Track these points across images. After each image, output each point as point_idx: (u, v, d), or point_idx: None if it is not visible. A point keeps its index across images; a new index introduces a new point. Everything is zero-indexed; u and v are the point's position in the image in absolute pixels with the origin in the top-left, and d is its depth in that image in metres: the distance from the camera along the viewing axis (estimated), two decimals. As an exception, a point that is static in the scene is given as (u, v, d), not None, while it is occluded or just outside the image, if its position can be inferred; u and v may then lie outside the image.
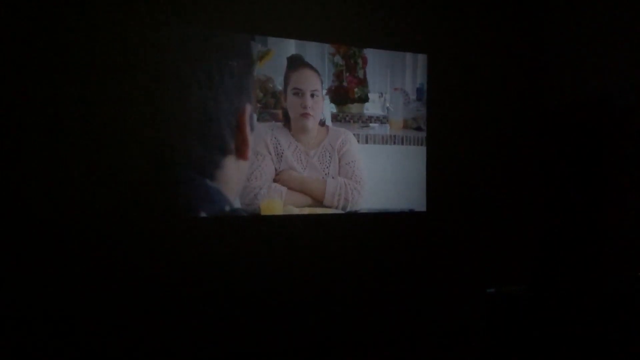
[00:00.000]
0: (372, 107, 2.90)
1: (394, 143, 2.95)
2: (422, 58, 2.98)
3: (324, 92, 2.78)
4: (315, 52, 2.76)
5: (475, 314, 2.60)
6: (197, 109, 2.50)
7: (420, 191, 3.02)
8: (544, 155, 3.15)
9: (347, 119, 2.85)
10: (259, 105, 2.64)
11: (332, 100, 2.81)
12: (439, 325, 2.96)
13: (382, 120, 2.92)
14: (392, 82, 2.93)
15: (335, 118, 2.82)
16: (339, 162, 2.83)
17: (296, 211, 2.73)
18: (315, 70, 2.75)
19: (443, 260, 3.06)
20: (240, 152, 2.60)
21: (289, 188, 2.71)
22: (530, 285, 2.62)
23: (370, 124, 2.89)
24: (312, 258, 2.79)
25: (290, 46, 2.71)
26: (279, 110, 2.69)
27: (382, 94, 2.90)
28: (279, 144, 2.69)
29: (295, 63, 2.70)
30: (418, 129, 3.00)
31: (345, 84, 2.82)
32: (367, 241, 2.91)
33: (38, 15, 2.22)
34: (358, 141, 2.87)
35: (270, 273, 2.69)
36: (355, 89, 2.85)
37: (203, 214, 2.54)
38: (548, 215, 3.09)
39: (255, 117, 2.62)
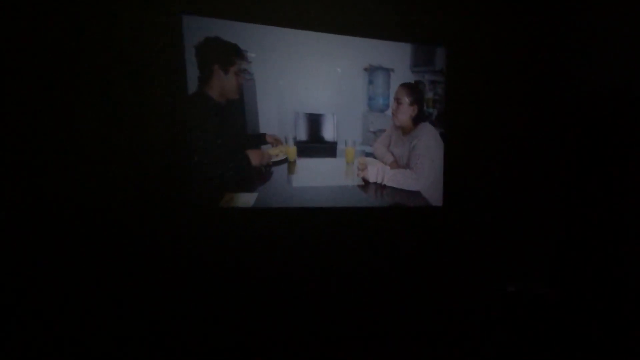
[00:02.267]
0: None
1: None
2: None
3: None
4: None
5: (495, 313, 2.55)
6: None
7: (437, 185, 2.98)
8: (565, 151, 3.08)
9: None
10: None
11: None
12: (456, 324, 2.90)
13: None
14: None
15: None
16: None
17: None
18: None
19: (460, 257, 3.00)
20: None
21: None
22: (552, 284, 2.56)
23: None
24: (327, 252, 2.78)
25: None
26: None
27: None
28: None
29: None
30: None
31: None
32: (382, 236, 2.89)
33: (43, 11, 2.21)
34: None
35: (281, 266, 2.67)
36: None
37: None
38: (569, 212, 3.02)
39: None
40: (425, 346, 2.74)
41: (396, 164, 2.93)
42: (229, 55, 2.52)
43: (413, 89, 2.91)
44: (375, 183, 2.90)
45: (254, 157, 2.63)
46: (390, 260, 2.89)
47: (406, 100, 2.90)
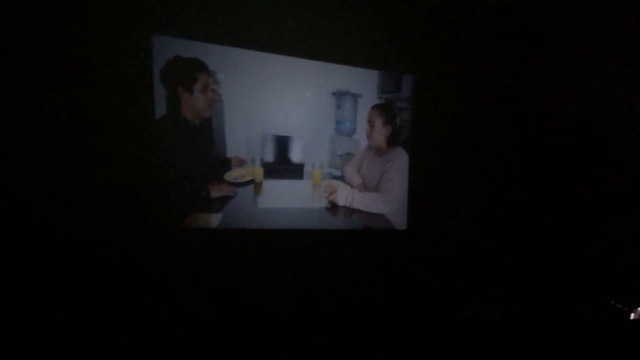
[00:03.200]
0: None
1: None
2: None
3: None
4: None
5: (451, 337, 2.60)
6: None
7: (402, 209, 3.04)
8: (526, 178, 3.19)
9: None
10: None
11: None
12: (414, 346, 2.93)
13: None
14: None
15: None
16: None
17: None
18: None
19: (421, 280, 3.05)
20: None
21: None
22: (506, 310, 2.63)
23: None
24: (291, 274, 2.77)
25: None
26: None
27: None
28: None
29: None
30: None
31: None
32: (347, 258, 2.91)
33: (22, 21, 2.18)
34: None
35: (245, 288, 2.66)
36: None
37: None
38: (528, 239, 3.12)
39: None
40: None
41: (363, 187, 2.97)
42: (190, 73, 2.52)
43: (385, 110, 2.98)
44: (343, 206, 2.94)
45: (215, 190, 2.63)
46: (353, 282, 2.90)
47: (379, 121, 2.96)
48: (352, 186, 2.94)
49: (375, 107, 2.95)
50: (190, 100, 2.52)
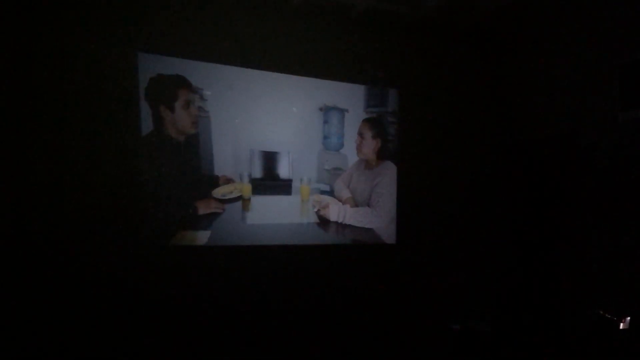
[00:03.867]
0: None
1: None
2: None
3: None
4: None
5: (440, 349, 2.58)
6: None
7: (391, 224, 3.05)
8: (512, 191, 3.21)
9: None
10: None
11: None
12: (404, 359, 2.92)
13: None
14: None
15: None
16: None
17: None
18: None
19: (410, 294, 3.04)
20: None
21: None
22: (495, 321, 2.63)
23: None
24: (281, 289, 2.75)
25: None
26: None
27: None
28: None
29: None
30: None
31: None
32: (336, 273, 2.89)
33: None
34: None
35: (236, 304, 2.64)
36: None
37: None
38: (514, 252, 3.13)
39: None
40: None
41: (353, 201, 2.98)
42: (171, 90, 2.53)
43: (375, 123, 3.00)
44: (335, 222, 2.93)
45: (202, 207, 2.62)
46: (344, 296, 2.89)
47: (369, 134, 2.98)
48: (341, 200, 2.95)
49: (365, 121, 2.98)
50: (172, 117, 2.53)
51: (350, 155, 2.99)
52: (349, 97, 2.95)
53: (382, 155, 3.03)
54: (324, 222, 2.90)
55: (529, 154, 3.08)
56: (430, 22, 2.99)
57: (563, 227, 2.79)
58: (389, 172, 3.05)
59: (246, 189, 2.73)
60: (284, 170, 2.82)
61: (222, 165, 2.67)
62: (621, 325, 2.33)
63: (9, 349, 2.17)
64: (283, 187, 2.82)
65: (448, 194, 3.17)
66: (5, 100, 2.19)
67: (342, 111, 2.93)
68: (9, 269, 2.20)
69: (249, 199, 2.74)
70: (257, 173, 2.76)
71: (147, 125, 2.46)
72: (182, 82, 2.54)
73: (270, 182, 2.79)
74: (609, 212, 2.53)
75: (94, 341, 2.33)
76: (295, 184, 2.84)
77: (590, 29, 2.65)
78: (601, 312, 2.38)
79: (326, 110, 2.90)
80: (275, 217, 2.79)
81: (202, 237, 2.62)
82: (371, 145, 3.01)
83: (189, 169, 2.57)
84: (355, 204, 2.98)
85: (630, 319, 2.24)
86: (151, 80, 2.46)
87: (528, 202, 3.05)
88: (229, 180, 2.68)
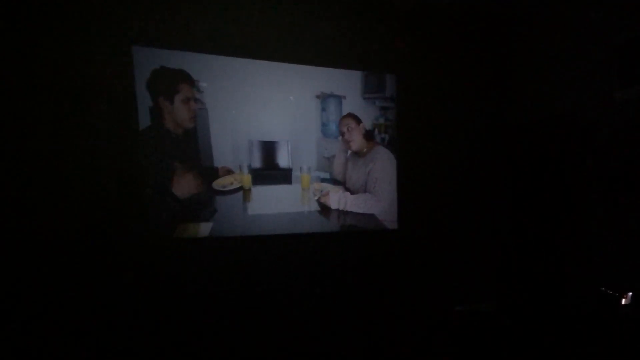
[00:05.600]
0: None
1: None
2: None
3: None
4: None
5: (445, 331, 2.61)
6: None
7: (392, 209, 3.06)
8: (511, 172, 3.21)
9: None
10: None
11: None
12: (409, 343, 2.94)
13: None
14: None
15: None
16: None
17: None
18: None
19: (414, 278, 3.07)
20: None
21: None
22: (498, 302, 2.65)
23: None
24: (285, 278, 2.77)
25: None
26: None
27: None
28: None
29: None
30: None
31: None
32: (340, 259, 2.91)
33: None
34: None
35: (239, 295, 2.66)
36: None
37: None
38: (515, 232, 3.14)
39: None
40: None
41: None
42: (173, 84, 2.52)
43: (353, 115, 2.98)
44: (336, 209, 2.94)
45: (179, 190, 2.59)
46: (348, 282, 2.91)
47: (352, 123, 2.97)
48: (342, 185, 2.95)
49: (344, 117, 2.95)
50: (171, 110, 2.52)
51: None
52: (346, 84, 2.93)
53: (369, 137, 3.01)
54: (325, 209, 2.91)
55: (529, 136, 3.08)
56: (427, 5, 2.96)
57: (565, 207, 2.80)
58: (381, 157, 3.04)
59: (246, 179, 2.73)
60: (283, 159, 2.82)
61: (221, 156, 2.67)
62: (623, 301, 2.36)
63: (16, 340, 2.19)
64: (283, 176, 2.82)
65: (448, 178, 3.17)
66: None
67: (339, 98, 2.92)
68: (12, 264, 2.21)
69: (250, 190, 2.74)
70: (257, 163, 2.76)
71: (145, 120, 2.46)
72: (184, 77, 2.54)
73: (270, 171, 2.79)
74: (609, 190, 2.53)
75: (99, 335, 2.36)
76: (295, 173, 2.84)
77: (588, 7, 2.62)
78: (603, 289, 2.41)
79: (323, 97, 2.88)
80: (276, 206, 2.80)
81: (204, 228, 2.62)
82: (360, 131, 2.98)
83: (187, 161, 2.57)
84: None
85: (632, 295, 2.26)
86: (154, 72, 2.45)
87: (529, 183, 3.06)
88: (228, 172, 2.67)
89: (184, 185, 2.56)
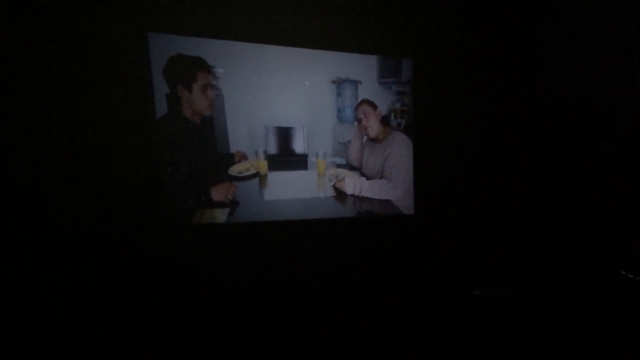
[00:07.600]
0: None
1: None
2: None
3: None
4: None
5: (462, 316, 2.62)
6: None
7: (409, 194, 3.05)
8: (529, 157, 3.18)
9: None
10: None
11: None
12: (426, 327, 2.96)
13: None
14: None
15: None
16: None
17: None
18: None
19: (430, 263, 3.07)
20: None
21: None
22: (516, 287, 2.64)
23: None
24: (302, 264, 2.79)
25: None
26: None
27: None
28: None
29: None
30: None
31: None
32: (356, 245, 2.92)
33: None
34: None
35: (256, 281, 2.69)
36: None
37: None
38: (533, 217, 3.11)
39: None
40: (398, 347, 2.79)
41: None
42: (190, 72, 2.52)
43: (368, 101, 2.96)
44: (352, 195, 2.94)
45: (217, 193, 2.63)
46: (365, 268, 2.92)
47: (369, 109, 2.95)
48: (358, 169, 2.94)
49: (360, 103, 2.93)
50: (189, 98, 2.52)
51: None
52: (362, 68, 2.90)
53: (386, 122, 2.99)
54: (341, 195, 2.91)
55: (548, 119, 3.03)
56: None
57: (584, 190, 2.76)
58: (398, 142, 3.02)
59: (262, 165, 2.74)
60: (299, 145, 2.82)
61: (237, 142, 2.67)
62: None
63: (39, 321, 2.24)
64: (299, 162, 2.82)
65: (464, 163, 3.14)
66: (15, 87, 2.20)
67: (355, 83, 2.89)
68: (29, 254, 2.25)
69: (266, 176, 2.75)
70: (273, 149, 2.76)
71: (161, 108, 2.47)
72: (202, 65, 2.53)
73: (286, 157, 2.79)
74: (629, 175, 2.49)
75: (117, 323, 2.41)
76: (311, 159, 2.84)
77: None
78: (624, 273, 2.38)
79: (339, 82, 2.86)
80: (292, 192, 2.80)
81: (221, 214, 2.64)
82: (377, 117, 2.97)
83: (204, 150, 2.58)
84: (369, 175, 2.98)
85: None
86: (171, 59, 2.45)
87: (549, 168, 3.02)
88: (243, 156, 2.68)
89: (202, 174, 2.58)
